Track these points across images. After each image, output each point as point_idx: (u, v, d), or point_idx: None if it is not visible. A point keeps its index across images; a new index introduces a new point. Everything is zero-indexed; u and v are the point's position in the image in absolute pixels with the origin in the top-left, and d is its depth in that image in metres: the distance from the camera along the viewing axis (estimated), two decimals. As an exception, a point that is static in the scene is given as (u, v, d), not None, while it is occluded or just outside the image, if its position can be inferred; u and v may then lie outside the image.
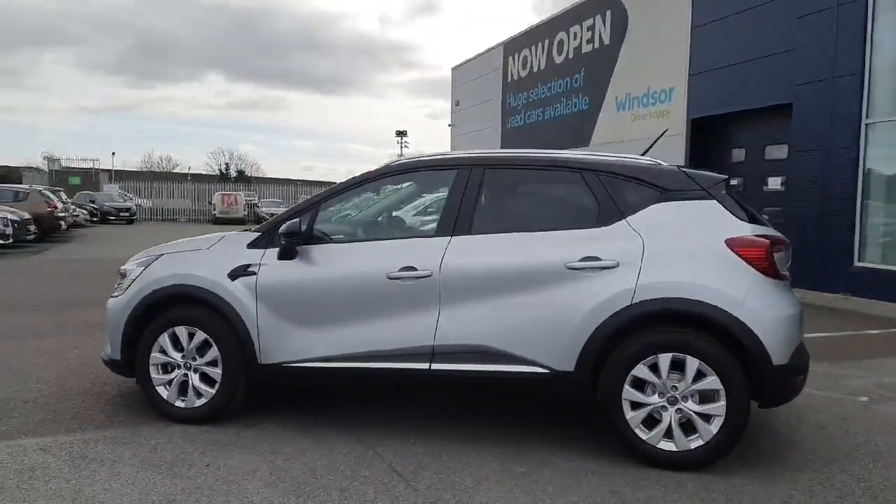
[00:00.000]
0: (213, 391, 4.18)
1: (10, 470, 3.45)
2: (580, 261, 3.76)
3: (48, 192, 20.45)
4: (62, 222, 20.12)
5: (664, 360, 3.65)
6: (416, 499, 3.26)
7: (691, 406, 3.65)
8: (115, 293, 4.44)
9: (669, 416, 3.67)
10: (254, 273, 4.13)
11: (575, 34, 21.65)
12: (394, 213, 4.87)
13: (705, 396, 3.63)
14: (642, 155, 4.38)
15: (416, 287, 3.92)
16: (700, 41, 16.58)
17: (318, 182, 53.08)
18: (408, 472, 3.56)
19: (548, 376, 3.77)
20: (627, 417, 3.70)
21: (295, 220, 4.07)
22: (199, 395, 4.20)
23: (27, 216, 17.54)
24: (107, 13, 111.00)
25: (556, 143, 22.35)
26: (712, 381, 3.60)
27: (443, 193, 4.24)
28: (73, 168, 42.00)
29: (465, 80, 30.31)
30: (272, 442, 3.95)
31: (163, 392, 4.25)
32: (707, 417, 3.63)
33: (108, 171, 46.92)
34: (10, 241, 16.07)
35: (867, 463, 3.86)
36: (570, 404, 4.33)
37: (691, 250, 3.73)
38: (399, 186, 4.79)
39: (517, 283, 3.83)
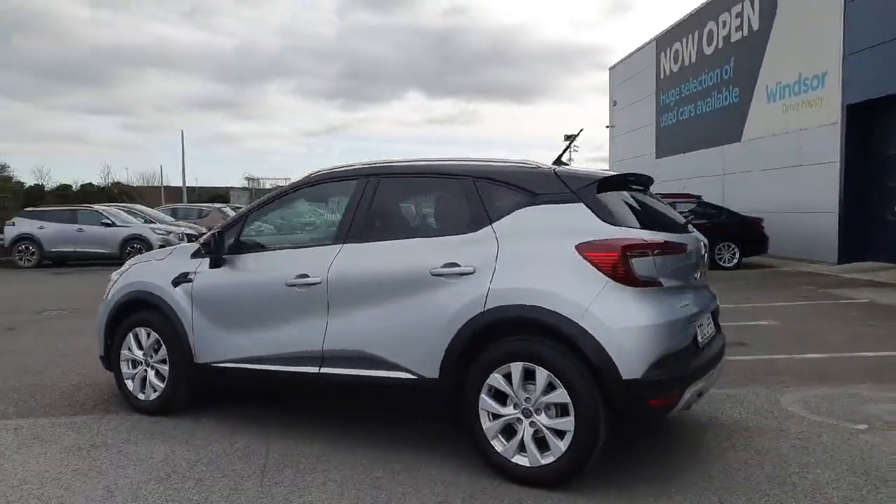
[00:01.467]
0: (163, 386, 4.72)
1: (-23, 443, 4.24)
2: (442, 267, 3.74)
3: (227, 210, 23.24)
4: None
5: (516, 369, 3.52)
6: (253, 494, 3.48)
7: (543, 420, 3.47)
8: (104, 297, 5.17)
9: (523, 429, 3.52)
10: (190, 280, 4.62)
11: (724, 22, 20.24)
12: (305, 223, 5.11)
13: (556, 410, 3.44)
14: (557, 159, 4.20)
15: (307, 294, 4.15)
16: (855, 17, 14.80)
17: None
18: (272, 470, 3.79)
19: (417, 383, 3.79)
20: (484, 428, 3.61)
21: (215, 231, 4.50)
22: (154, 389, 4.76)
23: (204, 230, 20.13)
24: (322, 45, 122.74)
25: (708, 141, 20.93)
26: (560, 394, 3.41)
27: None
28: (268, 188, 47.21)
29: (621, 80, 29.42)
30: (195, 433, 4.38)
31: (129, 385, 4.88)
32: (559, 433, 3.43)
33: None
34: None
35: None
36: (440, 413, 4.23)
37: (543, 255, 3.55)
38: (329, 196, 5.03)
39: (390, 290, 3.90)
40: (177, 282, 4.67)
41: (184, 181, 41.74)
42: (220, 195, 47.15)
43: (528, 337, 3.51)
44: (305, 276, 4.16)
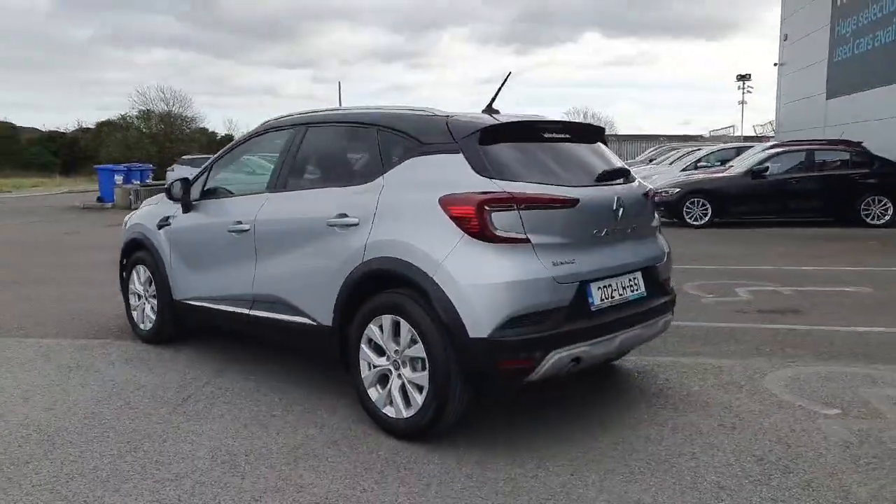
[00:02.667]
0: (154, 318, 5.24)
1: (-2, 356, 5.03)
2: (335, 217, 3.77)
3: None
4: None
5: (387, 321, 3.49)
6: (157, 418, 3.82)
7: (407, 373, 3.43)
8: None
9: (392, 381, 3.51)
10: (169, 224, 5.03)
11: (910, -65, 17.23)
12: (255, 172, 5.23)
13: (417, 364, 3.38)
14: (487, 106, 3.98)
15: (241, 239, 4.37)
16: None
17: (688, 136, 49.81)
18: (191, 400, 4.09)
19: (316, 329, 3.90)
20: (363, 376, 3.64)
21: (181, 179, 4.84)
22: (149, 321, 5.30)
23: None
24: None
25: (887, 77, 18.17)
26: (419, 349, 3.34)
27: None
28: None
29: (793, 10, 26.17)
30: (163, 363, 4.83)
31: (134, 315, 5.47)
32: (419, 387, 3.38)
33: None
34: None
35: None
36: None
37: (413, 208, 3.45)
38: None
39: (297, 238, 4.00)
40: (160, 225, 5.10)
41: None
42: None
43: (397, 290, 3.45)
44: (240, 222, 4.37)
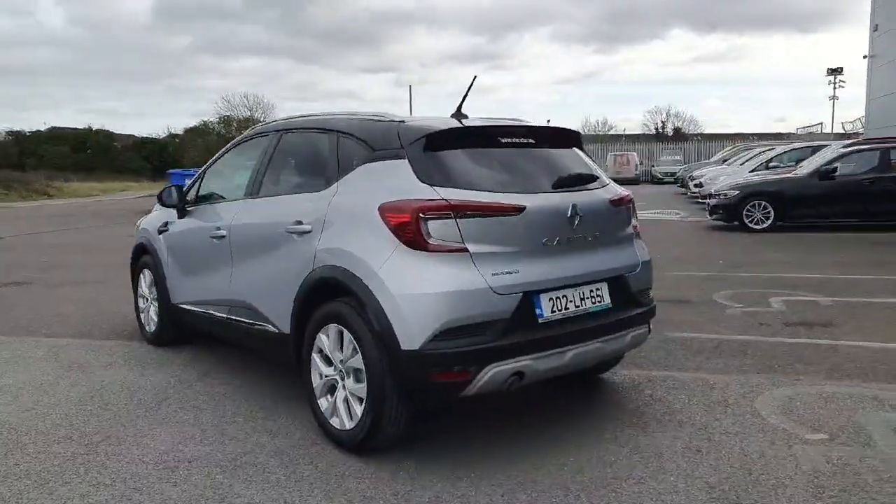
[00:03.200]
0: (157, 321, 5.40)
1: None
2: (292, 224, 3.75)
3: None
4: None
5: (333, 331, 3.45)
6: (126, 419, 3.91)
7: (349, 383, 3.38)
8: (136, 242, 5.98)
9: (337, 392, 3.46)
10: (167, 229, 5.17)
11: None
12: (238, 178, 5.23)
13: (358, 375, 3.32)
14: (456, 110, 3.88)
15: (219, 245, 4.44)
16: None
17: (779, 135, 47.37)
18: (167, 403, 4.19)
19: (277, 336, 3.90)
20: (314, 385, 3.61)
21: (175, 185, 4.96)
22: (153, 323, 5.47)
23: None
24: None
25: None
26: (358, 360, 3.28)
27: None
28: None
29: (883, -1, 24.49)
30: (158, 365, 4.96)
31: (142, 318, 5.66)
32: (359, 399, 3.31)
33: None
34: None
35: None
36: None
37: (357, 215, 3.39)
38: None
39: (262, 245, 4.02)
40: (160, 230, 5.26)
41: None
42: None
43: (342, 299, 3.40)
44: (219, 228, 4.44)
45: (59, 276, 9.21)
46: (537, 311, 3.28)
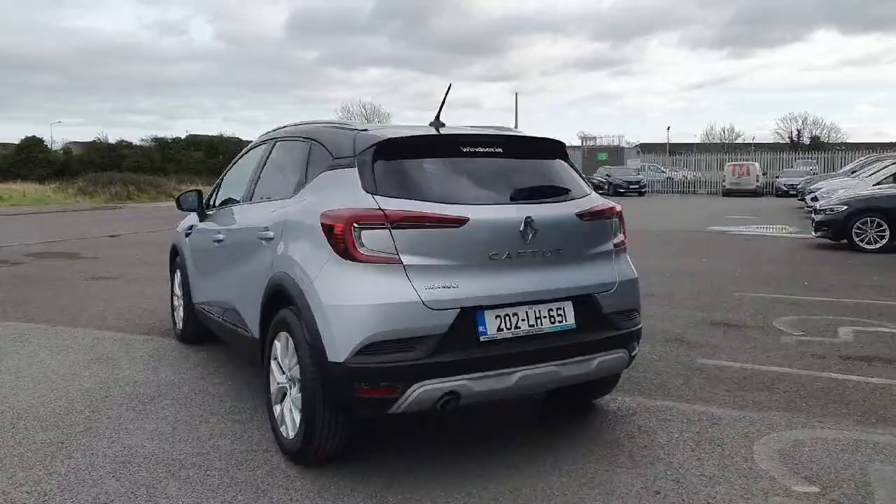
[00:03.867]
0: (183, 319, 5.64)
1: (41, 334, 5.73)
2: (262, 231, 3.79)
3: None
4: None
5: (283, 338, 3.44)
6: (116, 412, 4.09)
7: (293, 392, 3.34)
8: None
9: (286, 400, 3.44)
10: (191, 232, 5.40)
11: None
12: (242, 184, 5.26)
13: (300, 384, 3.27)
14: (435, 118, 3.77)
15: (219, 249, 4.56)
16: None
17: None
18: (159, 398, 4.34)
19: (250, 341, 3.96)
20: (271, 392, 3.61)
21: (192, 191, 5.16)
22: (181, 321, 5.71)
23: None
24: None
25: None
26: (298, 369, 3.24)
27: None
28: (604, 145, 46.35)
29: None
30: (176, 363, 5.15)
31: (174, 317, 5.93)
32: (300, 408, 3.27)
33: (640, 145, 49.70)
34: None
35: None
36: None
37: (305, 224, 3.35)
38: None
39: (241, 251, 4.11)
40: (187, 234, 5.49)
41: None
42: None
43: (290, 307, 3.38)
44: (219, 233, 4.57)
45: (141, 273, 9.86)
46: (480, 328, 3.10)
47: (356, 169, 3.27)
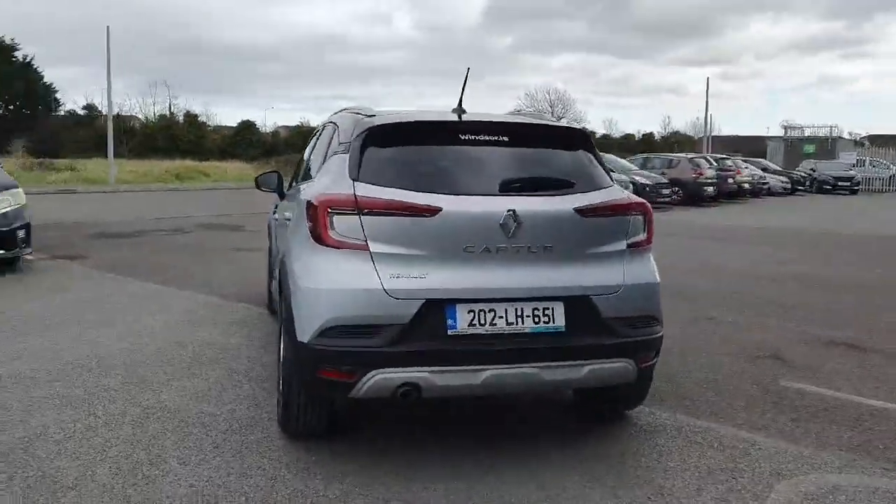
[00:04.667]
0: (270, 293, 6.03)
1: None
2: (286, 213, 3.98)
3: (699, 161, 22.42)
4: (709, 188, 21.80)
5: (286, 316, 3.57)
6: (151, 374, 4.51)
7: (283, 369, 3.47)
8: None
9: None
10: (275, 210, 5.75)
11: None
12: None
13: (286, 363, 3.39)
14: (458, 105, 3.68)
15: (278, 227, 4.82)
16: None
17: None
18: (193, 375, 4.70)
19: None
20: (279, 366, 3.76)
21: (271, 172, 5.46)
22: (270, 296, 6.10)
23: (663, 180, 20.29)
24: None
25: None
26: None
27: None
28: (807, 136, 41.55)
29: None
30: (250, 339, 5.48)
31: (271, 288, 6.35)
32: (286, 385, 3.39)
33: (869, 136, 44.01)
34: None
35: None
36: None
37: (299, 208, 3.45)
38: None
39: (280, 230, 4.33)
40: (273, 212, 5.85)
41: (706, 130, 41.10)
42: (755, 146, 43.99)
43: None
44: (277, 212, 4.83)
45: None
46: (449, 321, 2.99)
47: (349, 155, 3.30)
